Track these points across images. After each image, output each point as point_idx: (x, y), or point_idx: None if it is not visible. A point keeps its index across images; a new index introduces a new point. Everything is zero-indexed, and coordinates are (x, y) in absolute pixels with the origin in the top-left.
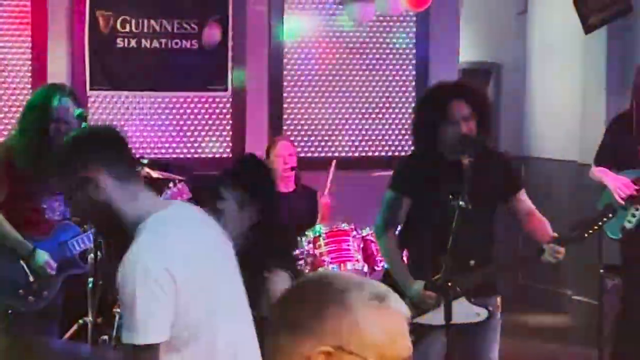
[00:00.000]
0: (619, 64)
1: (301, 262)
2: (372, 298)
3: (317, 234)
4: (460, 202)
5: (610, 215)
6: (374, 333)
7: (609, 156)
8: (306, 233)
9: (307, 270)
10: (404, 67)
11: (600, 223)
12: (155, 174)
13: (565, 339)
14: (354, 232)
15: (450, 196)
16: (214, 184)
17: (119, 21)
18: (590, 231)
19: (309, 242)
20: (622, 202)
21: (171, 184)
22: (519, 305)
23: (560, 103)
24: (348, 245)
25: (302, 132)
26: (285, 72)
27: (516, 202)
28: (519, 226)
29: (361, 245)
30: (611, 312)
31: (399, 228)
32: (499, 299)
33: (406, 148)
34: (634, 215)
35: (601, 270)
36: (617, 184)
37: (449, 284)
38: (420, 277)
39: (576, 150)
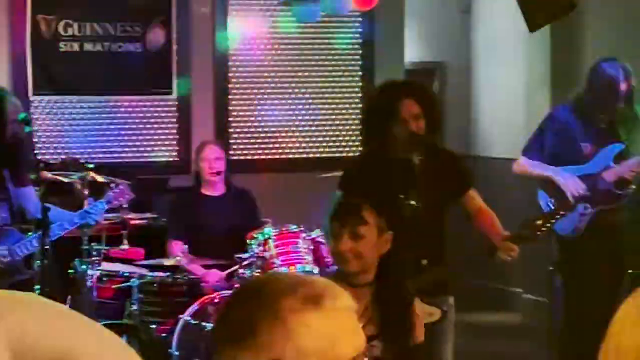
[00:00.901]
0: (563, 61)
1: (251, 265)
2: (306, 302)
3: (267, 236)
4: (411, 202)
5: (562, 212)
6: (310, 340)
7: (547, 148)
8: (255, 236)
9: (256, 274)
10: (350, 67)
11: (552, 220)
12: (100, 178)
13: (516, 337)
14: (304, 234)
15: (401, 196)
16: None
17: (61, 25)
18: (543, 229)
19: (258, 245)
20: (574, 201)
21: (112, 185)
22: (469, 304)
23: (505, 101)
24: (298, 247)
25: (249, 135)
26: (230, 75)
27: (467, 200)
28: (470, 225)
29: (311, 247)
30: (560, 309)
31: None
32: (451, 299)
33: (353, 148)
34: (583, 215)
35: (550, 268)
36: (570, 182)
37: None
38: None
39: (521, 148)
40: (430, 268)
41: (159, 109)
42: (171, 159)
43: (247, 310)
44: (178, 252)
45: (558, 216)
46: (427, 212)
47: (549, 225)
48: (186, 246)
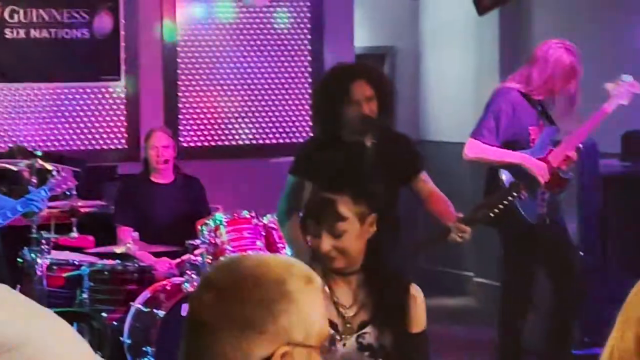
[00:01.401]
0: (512, 46)
1: (202, 251)
2: (307, 282)
3: (218, 222)
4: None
5: (515, 194)
6: (314, 318)
7: (502, 132)
8: (206, 222)
9: (208, 261)
10: (299, 52)
11: (505, 202)
12: (49, 166)
13: (468, 321)
14: (255, 220)
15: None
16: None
17: (6, 11)
18: (496, 210)
19: (209, 231)
20: (544, 185)
21: (55, 172)
22: (420, 289)
23: (455, 86)
24: (249, 233)
25: (199, 121)
26: (179, 61)
27: (418, 183)
28: (422, 208)
29: (263, 233)
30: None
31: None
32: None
33: (304, 134)
34: (544, 200)
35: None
36: (536, 165)
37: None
38: None
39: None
40: None
41: (107, 96)
42: (120, 147)
43: (259, 295)
44: (128, 239)
45: (510, 198)
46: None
47: (501, 206)
48: (136, 233)
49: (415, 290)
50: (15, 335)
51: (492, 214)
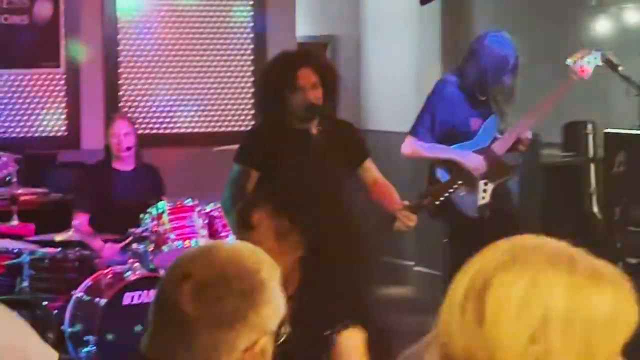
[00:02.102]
0: (453, 35)
1: (145, 240)
2: (274, 268)
3: (160, 210)
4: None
5: (460, 182)
6: (281, 306)
7: (438, 126)
8: (149, 210)
9: (150, 249)
10: (242, 41)
11: (450, 190)
12: None
13: (409, 310)
14: (199, 208)
15: (299, 166)
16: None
17: None
18: (441, 198)
19: (152, 219)
20: (479, 178)
21: None
22: None
23: (396, 75)
24: (192, 221)
25: (140, 109)
26: (120, 47)
27: (364, 171)
28: (360, 197)
29: (206, 221)
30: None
31: None
32: None
33: (246, 122)
34: (485, 191)
35: (445, 240)
36: (470, 160)
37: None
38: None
39: (412, 123)
40: None
41: (46, 82)
42: (60, 134)
43: (239, 290)
44: (84, 226)
45: (455, 185)
46: (326, 183)
47: (446, 194)
48: (86, 216)
49: (347, 337)
50: None
51: (437, 202)
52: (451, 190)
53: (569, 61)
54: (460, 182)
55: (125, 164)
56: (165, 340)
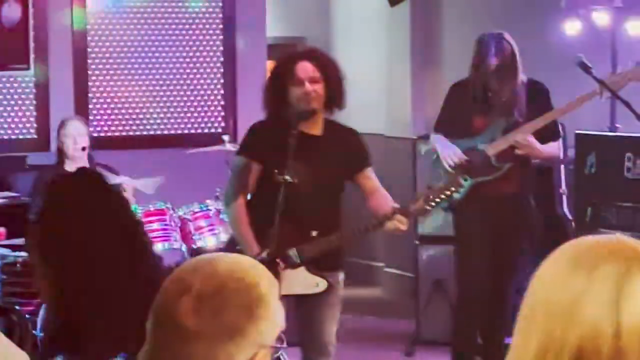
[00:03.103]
0: (423, 37)
1: None
2: (272, 283)
3: None
4: (287, 177)
5: (457, 187)
6: (280, 320)
7: (446, 124)
8: None
9: None
10: (212, 43)
11: (447, 193)
12: None
13: (381, 311)
14: (171, 211)
15: (275, 170)
16: None
17: None
18: (433, 203)
19: None
20: (450, 170)
21: None
22: None
23: (366, 77)
24: (165, 224)
25: (109, 111)
26: (90, 50)
27: (364, 179)
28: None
29: (178, 224)
30: (426, 283)
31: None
32: (341, 275)
33: (215, 124)
34: (461, 185)
35: (416, 242)
36: (447, 152)
37: (277, 259)
38: (265, 246)
39: (382, 124)
40: (318, 239)
41: (15, 85)
42: (29, 137)
43: (239, 304)
44: None
45: (448, 192)
46: (323, 185)
47: (438, 200)
48: None
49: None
50: None
51: (430, 207)
52: (448, 193)
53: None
54: (453, 188)
55: (78, 165)
56: (164, 353)
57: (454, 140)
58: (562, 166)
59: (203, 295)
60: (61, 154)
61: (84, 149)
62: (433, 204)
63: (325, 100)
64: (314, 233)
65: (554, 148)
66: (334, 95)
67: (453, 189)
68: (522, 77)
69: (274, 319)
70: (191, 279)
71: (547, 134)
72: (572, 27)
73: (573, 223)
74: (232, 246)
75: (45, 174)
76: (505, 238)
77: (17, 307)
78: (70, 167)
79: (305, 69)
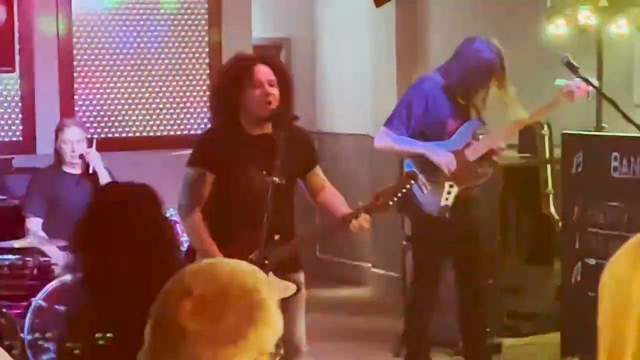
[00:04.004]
0: (408, 37)
1: None
2: (270, 287)
3: None
4: (275, 178)
5: (412, 182)
6: (279, 326)
7: (413, 122)
8: None
9: None
10: (197, 44)
11: (403, 190)
12: None
13: (366, 311)
14: None
15: (264, 171)
16: None
17: None
18: (395, 198)
19: None
20: (449, 176)
21: None
22: (318, 279)
23: (351, 77)
24: None
25: (95, 113)
26: (75, 52)
27: (313, 177)
28: (314, 200)
29: None
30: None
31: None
32: (302, 275)
33: (202, 126)
34: (449, 192)
35: (403, 242)
36: (442, 157)
37: (266, 260)
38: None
39: (368, 124)
40: (282, 242)
41: (1, 87)
42: (15, 139)
43: (239, 308)
44: (37, 230)
45: (408, 185)
46: (281, 187)
47: (399, 194)
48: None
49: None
50: None
51: (390, 202)
52: (404, 190)
53: (560, 81)
54: (411, 182)
55: (74, 169)
56: (164, 354)
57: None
58: (549, 166)
59: (204, 298)
60: (58, 157)
61: (81, 155)
62: (395, 198)
63: (279, 102)
64: (277, 237)
65: None
66: (287, 98)
67: (408, 185)
68: None
69: (273, 325)
70: (192, 283)
71: None
72: (557, 27)
73: (560, 222)
74: (192, 256)
75: (42, 175)
76: (476, 239)
77: (4, 310)
78: (68, 170)
79: (264, 72)
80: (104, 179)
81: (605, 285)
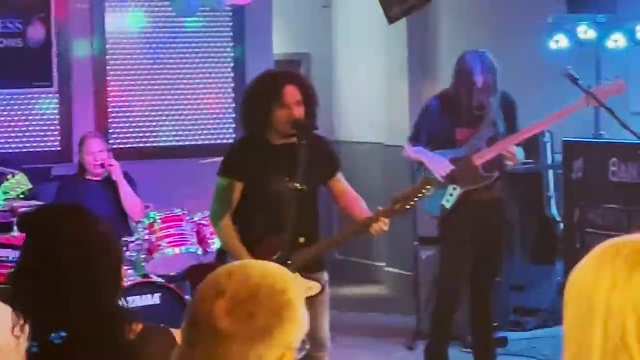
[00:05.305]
0: (419, 51)
1: (138, 247)
2: (299, 288)
3: (152, 219)
4: (298, 185)
5: (429, 187)
6: (305, 323)
7: (426, 136)
8: (141, 220)
9: (143, 256)
10: (222, 59)
11: (420, 194)
12: None
13: (381, 308)
14: (188, 217)
15: (287, 179)
16: None
17: None
18: (412, 203)
19: (144, 229)
20: (443, 181)
21: (9, 176)
22: (335, 278)
23: (366, 90)
24: (182, 229)
25: (128, 124)
26: (109, 67)
27: (335, 183)
28: (335, 205)
29: (194, 229)
30: (425, 281)
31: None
32: (326, 274)
33: (227, 136)
34: (451, 195)
35: (415, 243)
36: (436, 164)
37: (289, 262)
38: (254, 255)
39: (382, 133)
40: (307, 245)
41: (40, 101)
42: (53, 149)
43: (270, 308)
44: None
45: (425, 190)
46: (304, 193)
47: (416, 199)
48: None
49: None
50: None
51: (408, 206)
52: (420, 194)
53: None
54: (429, 186)
55: (96, 176)
56: (199, 353)
57: (436, 151)
58: (551, 171)
59: (237, 299)
60: (82, 167)
61: (102, 165)
62: (412, 202)
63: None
64: (302, 240)
65: (521, 154)
66: (312, 113)
67: (424, 190)
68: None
69: (300, 323)
70: (225, 284)
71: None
72: (558, 41)
73: (562, 224)
74: (222, 258)
75: (68, 182)
76: (489, 242)
77: None
78: (90, 177)
79: (292, 93)
80: (123, 186)
81: (569, 294)
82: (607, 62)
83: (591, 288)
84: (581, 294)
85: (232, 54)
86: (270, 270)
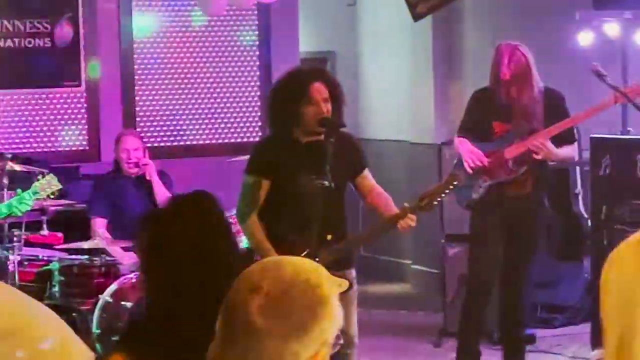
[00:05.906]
0: (445, 49)
1: None
2: (332, 284)
3: None
4: (324, 182)
5: (456, 183)
6: (340, 319)
7: (468, 128)
8: None
9: None
10: (249, 57)
11: (447, 191)
12: (18, 167)
13: (407, 306)
14: None
15: (314, 176)
16: None
17: None
18: (439, 199)
19: None
20: (471, 172)
21: (39, 176)
22: (361, 276)
23: (392, 87)
24: None
25: (155, 123)
26: (136, 66)
27: (362, 179)
28: (361, 203)
29: None
30: (452, 279)
31: None
32: (354, 271)
33: (254, 134)
34: (480, 187)
35: (442, 240)
36: (469, 154)
37: (317, 259)
38: (282, 253)
39: (407, 131)
40: (335, 242)
41: (68, 100)
42: (82, 148)
43: (305, 304)
44: (102, 229)
45: (452, 186)
46: (332, 190)
47: (443, 195)
48: (104, 220)
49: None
50: (15, 319)
51: (435, 202)
52: (447, 191)
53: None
54: (455, 182)
55: (132, 174)
56: (235, 350)
57: (476, 143)
58: (578, 168)
59: (272, 295)
60: (117, 165)
61: (137, 163)
62: (439, 199)
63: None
64: (329, 237)
65: (569, 151)
66: (339, 110)
67: (451, 186)
68: (539, 85)
69: (334, 318)
70: (260, 280)
71: (563, 138)
72: (585, 38)
73: (589, 220)
74: (250, 256)
75: (104, 180)
76: (519, 236)
77: (76, 306)
78: (126, 175)
79: (319, 90)
80: (158, 185)
81: (609, 281)
82: (634, 59)
83: (632, 276)
84: (622, 281)
85: (257, 53)
86: (305, 266)
